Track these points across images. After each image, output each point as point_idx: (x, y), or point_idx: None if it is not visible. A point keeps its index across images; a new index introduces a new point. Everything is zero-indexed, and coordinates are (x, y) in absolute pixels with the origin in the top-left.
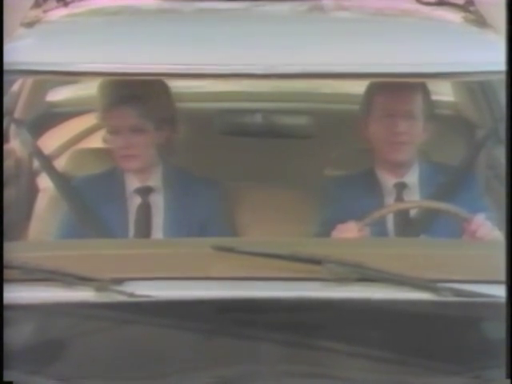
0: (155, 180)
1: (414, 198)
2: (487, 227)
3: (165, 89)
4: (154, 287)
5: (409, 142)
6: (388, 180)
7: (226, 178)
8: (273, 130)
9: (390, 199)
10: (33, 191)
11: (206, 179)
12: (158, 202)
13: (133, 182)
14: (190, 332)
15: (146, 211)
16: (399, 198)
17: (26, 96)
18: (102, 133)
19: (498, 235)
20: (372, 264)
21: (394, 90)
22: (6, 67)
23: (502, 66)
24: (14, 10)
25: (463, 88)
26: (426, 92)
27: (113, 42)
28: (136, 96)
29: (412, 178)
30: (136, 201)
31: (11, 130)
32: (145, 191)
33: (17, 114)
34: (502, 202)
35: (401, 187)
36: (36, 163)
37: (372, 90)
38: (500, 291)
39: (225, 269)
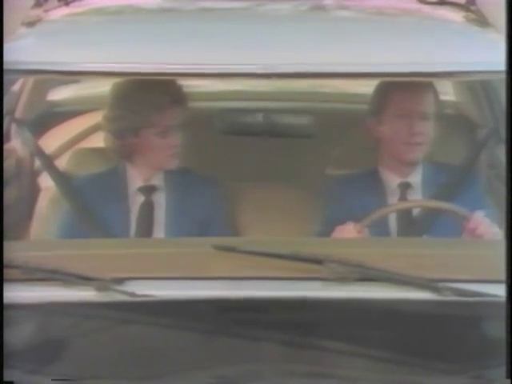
0: (158, 179)
1: (417, 198)
2: (486, 224)
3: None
4: (155, 287)
5: (423, 143)
6: (392, 180)
7: (227, 177)
8: (274, 129)
9: (393, 199)
10: (34, 190)
11: (207, 178)
12: (160, 201)
13: (136, 181)
14: (190, 331)
15: (148, 210)
16: (403, 198)
17: (26, 95)
18: (103, 132)
19: (499, 234)
20: (373, 264)
21: (408, 90)
22: (6, 67)
23: (503, 65)
24: (15, 10)
25: (464, 87)
26: (435, 92)
27: (113, 42)
28: (178, 97)
29: (416, 177)
30: (138, 200)
31: (12, 129)
32: (148, 190)
33: (18, 114)
34: (503, 201)
35: (405, 187)
36: (37, 162)
37: (384, 90)
38: (500, 290)
39: (226, 268)
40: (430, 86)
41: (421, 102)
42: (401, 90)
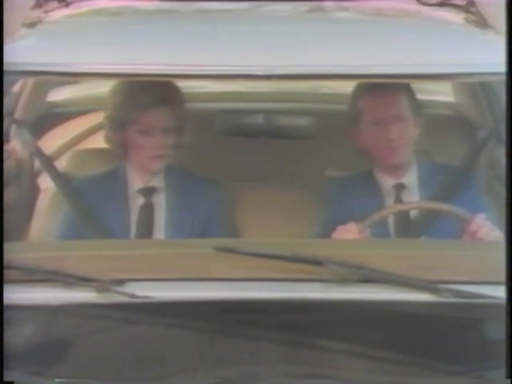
0: (158, 180)
1: (413, 199)
2: (487, 228)
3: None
4: (155, 288)
5: (403, 145)
6: (386, 181)
7: (227, 178)
8: (274, 130)
9: (389, 200)
10: (34, 191)
11: (207, 179)
12: (160, 202)
13: (135, 183)
14: (191, 333)
15: (148, 211)
16: (398, 199)
17: (26, 96)
18: (102, 133)
19: (500, 237)
20: (373, 265)
21: (380, 95)
22: (6, 68)
23: (502, 66)
24: (15, 11)
25: (464, 88)
26: (409, 91)
27: (113, 43)
28: (168, 97)
29: (410, 178)
30: (138, 201)
31: (12, 130)
32: (148, 192)
33: (17, 115)
34: (503, 203)
35: (399, 188)
36: (37, 163)
37: (357, 95)
38: (500, 292)
39: (226, 269)
40: (401, 87)
41: (393, 106)
42: (371, 96)
